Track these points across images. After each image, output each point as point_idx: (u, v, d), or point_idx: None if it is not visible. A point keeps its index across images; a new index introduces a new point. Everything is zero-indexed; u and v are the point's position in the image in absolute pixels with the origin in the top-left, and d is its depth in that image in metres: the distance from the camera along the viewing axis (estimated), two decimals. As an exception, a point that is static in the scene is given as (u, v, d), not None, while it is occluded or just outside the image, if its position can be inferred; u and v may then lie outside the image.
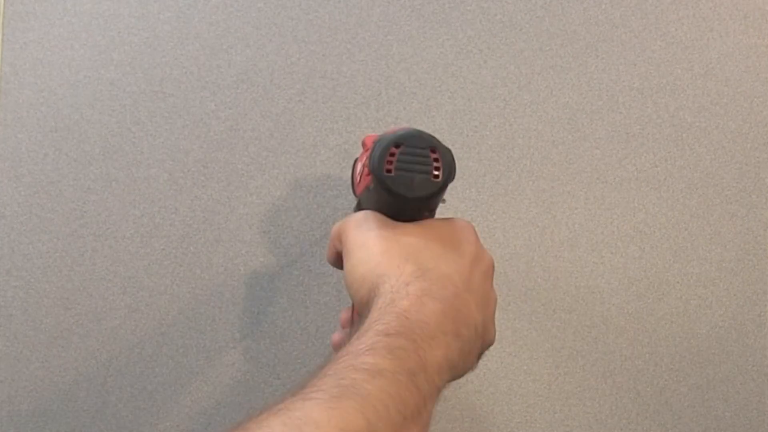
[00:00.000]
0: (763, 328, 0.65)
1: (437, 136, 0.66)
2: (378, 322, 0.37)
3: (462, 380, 0.63)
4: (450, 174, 0.42)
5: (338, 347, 0.40)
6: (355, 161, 0.54)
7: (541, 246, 0.64)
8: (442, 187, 0.42)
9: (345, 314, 0.47)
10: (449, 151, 0.43)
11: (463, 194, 0.64)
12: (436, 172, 0.42)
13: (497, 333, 0.45)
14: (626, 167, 0.65)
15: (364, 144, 0.51)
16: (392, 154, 0.42)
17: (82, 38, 0.62)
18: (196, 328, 0.62)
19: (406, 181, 0.42)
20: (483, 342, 0.42)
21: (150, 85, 0.63)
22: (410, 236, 0.43)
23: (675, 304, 0.65)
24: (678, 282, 0.65)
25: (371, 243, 0.42)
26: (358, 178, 0.49)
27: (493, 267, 0.45)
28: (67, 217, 0.61)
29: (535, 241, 0.64)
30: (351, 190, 0.55)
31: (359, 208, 0.53)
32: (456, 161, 0.43)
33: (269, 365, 0.62)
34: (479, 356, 0.43)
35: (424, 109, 0.64)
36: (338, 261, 0.46)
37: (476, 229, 0.46)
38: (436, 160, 0.42)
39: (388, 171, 0.42)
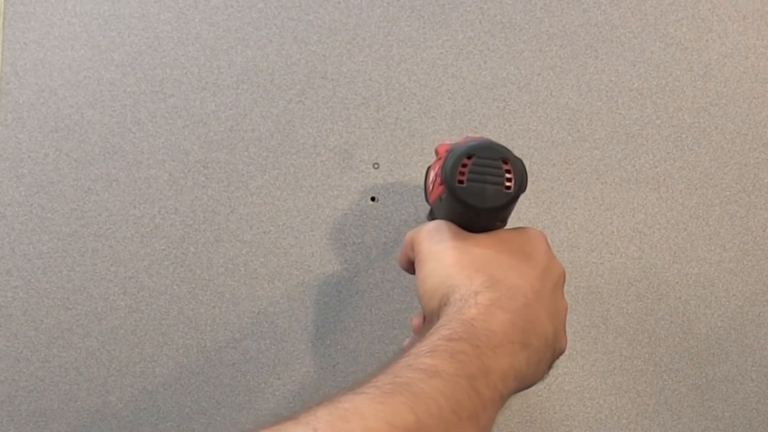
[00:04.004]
0: (762, 329, 0.65)
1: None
2: (443, 327, 0.37)
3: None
4: (522, 185, 0.42)
5: None
6: (428, 169, 0.54)
7: (540, 246, 0.64)
8: (514, 198, 0.42)
9: (417, 320, 0.47)
10: (521, 161, 0.42)
11: (463, 194, 0.64)
12: (508, 183, 0.41)
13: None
14: (625, 168, 0.65)
15: (437, 152, 0.51)
16: (464, 165, 0.41)
17: (82, 38, 0.62)
18: (196, 328, 0.62)
19: (477, 191, 0.41)
20: (554, 351, 0.42)
21: (150, 86, 0.63)
22: (481, 247, 0.43)
23: (674, 304, 0.65)
24: (677, 282, 0.65)
25: (443, 254, 0.43)
26: (431, 187, 0.49)
27: (564, 277, 0.45)
28: (68, 217, 0.61)
29: (535, 242, 0.64)
30: (425, 197, 0.55)
31: (431, 215, 0.53)
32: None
33: (269, 365, 0.62)
34: (550, 365, 0.43)
35: (424, 110, 0.64)
36: (410, 267, 0.47)
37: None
38: (508, 171, 0.42)
39: (460, 182, 0.41)
